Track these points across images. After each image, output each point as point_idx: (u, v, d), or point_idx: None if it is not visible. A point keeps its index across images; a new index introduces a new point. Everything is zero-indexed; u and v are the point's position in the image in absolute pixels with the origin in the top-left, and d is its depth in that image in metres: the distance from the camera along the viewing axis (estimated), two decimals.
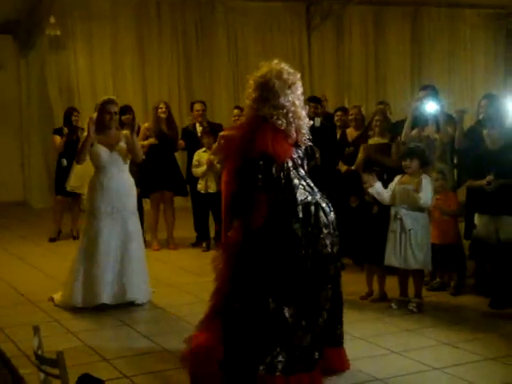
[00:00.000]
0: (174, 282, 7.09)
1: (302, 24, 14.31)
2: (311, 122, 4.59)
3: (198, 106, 9.11)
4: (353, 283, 6.64)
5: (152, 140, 8.64)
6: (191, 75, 13.65)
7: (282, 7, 13.99)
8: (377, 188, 5.89)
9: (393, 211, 5.82)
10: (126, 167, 6.32)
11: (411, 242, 5.74)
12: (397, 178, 5.94)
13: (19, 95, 13.32)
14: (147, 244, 8.72)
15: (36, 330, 3.35)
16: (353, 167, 7.53)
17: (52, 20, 11.91)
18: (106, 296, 6.00)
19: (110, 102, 6.18)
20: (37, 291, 6.65)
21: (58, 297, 6.22)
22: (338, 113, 8.62)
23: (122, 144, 6.17)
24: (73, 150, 9.38)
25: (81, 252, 6.13)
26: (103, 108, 6.14)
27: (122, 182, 6.24)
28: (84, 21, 12.82)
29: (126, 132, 6.32)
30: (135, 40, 13.23)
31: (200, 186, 8.75)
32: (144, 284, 6.26)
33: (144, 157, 7.26)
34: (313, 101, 7.69)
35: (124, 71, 13.21)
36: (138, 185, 6.79)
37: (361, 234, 6.25)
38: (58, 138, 9.59)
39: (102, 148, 6.10)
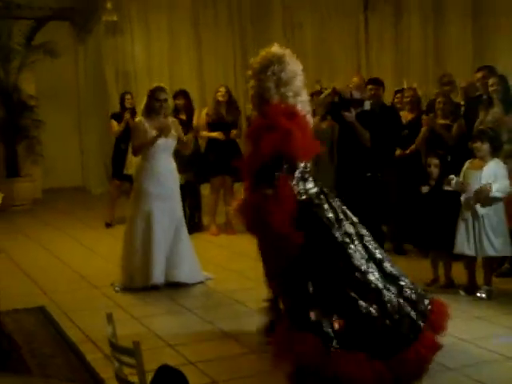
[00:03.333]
0: (233, 267, 7.03)
1: (359, 4, 14.02)
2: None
3: None
4: (416, 270, 6.48)
5: (217, 134, 8.53)
6: (247, 57, 13.50)
7: None
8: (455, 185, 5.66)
9: (463, 198, 5.61)
10: (172, 153, 6.36)
11: (486, 228, 5.51)
12: (467, 164, 5.72)
13: (77, 81, 13.44)
14: (205, 228, 8.75)
15: (109, 317, 3.31)
16: (407, 151, 7.33)
17: (109, 5, 11.93)
18: (161, 276, 6.07)
19: (159, 89, 6.24)
20: (97, 275, 6.69)
21: (118, 280, 6.26)
22: (398, 95, 8.42)
23: (173, 131, 6.20)
24: (127, 131, 9.52)
25: (134, 233, 6.15)
26: (152, 95, 6.20)
27: (170, 167, 6.33)
28: (140, 5, 12.81)
29: (174, 120, 6.40)
30: (191, 23, 13.16)
31: None
32: (196, 265, 6.34)
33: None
34: (374, 83, 7.45)
35: (180, 55, 13.18)
36: (189, 170, 6.76)
37: (424, 220, 6.04)
38: (115, 123, 9.61)
39: (154, 133, 6.11)
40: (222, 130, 8.53)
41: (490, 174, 5.53)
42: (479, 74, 6.90)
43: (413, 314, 3.95)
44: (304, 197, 4.16)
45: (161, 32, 13.03)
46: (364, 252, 4.08)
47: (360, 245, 4.11)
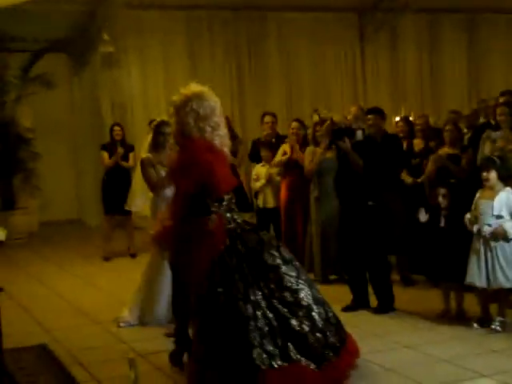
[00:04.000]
0: None
1: (355, 34, 14.12)
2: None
3: (267, 118, 8.87)
4: (425, 301, 6.40)
5: None
6: (244, 89, 13.54)
7: (334, 18, 13.82)
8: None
9: (475, 229, 5.51)
10: None
11: (499, 259, 5.39)
12: (478, 193, 5.63)
13: (72, 113, 13.37)
14: None
15: (132, 363, 3.16)
16: (419, 180, 7.29)
17: (105, 37, 11.91)
18: (166, 313, 5.91)
19: (163, 123, 6.14)
20: (98, 310, 6.56)
21: (123, 315, 6.10)
22: (400, 123, 8.36)
23: None
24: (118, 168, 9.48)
25: (153, 271, 6.05)
26: (157, 129, 6.14)
27: None
28: (136, 37, 12.80)
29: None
30: (187, 55, 13.18)
31: (258, 201, 8.60)
32: None
33: None
34: (374, 112, 7.34)
35: (176, 86, 12.94)
36: None
37: (435, 250, 5.92)
38: (105, 155, 9.56)
39: (161, 168, 6.03)
40: None
41: (501, 205, 5.43)
42: (502, 99, 6.89)
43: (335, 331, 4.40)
44: (232, 225, 4.38)
45: (157, 63, 13.02)
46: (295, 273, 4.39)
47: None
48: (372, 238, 6.17)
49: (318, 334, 4.23)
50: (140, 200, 7.08)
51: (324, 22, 13.74)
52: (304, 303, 4.29)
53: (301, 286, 4.35)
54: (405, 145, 7.59)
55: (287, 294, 4.25)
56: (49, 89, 11.24)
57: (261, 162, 8.57)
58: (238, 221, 4.46)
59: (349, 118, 6.84)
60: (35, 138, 11.76)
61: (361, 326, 5.77)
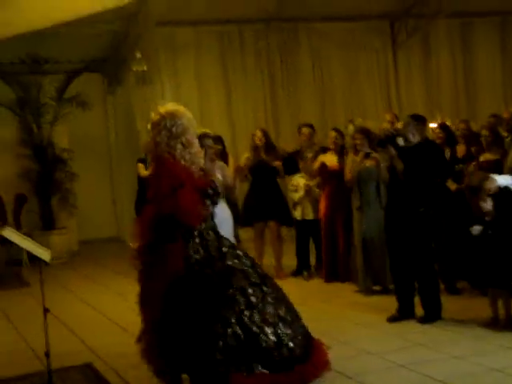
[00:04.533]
0: None
1: (387, 42, 14.01)
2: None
3: (304, 130, 8.83)
4: (472, 309, 6.28)
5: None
6: (277, 100, 13.52)
7: (366, 26, 13.72)
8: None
9: None
10: (222, 199, 6.22)
11: None
12: None
13: (107, 132, 13.49)
14: None
15: None
16: (463, 185, 7.18)
17: (138, 55, 11.98)
18: None
19: (204, 136, 6.12)
20: None
21: None
22: (437, 130, 8.25)
23: (219, 176, 6.09)
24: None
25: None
26: (199, 142, 6.08)
27: (221, 212, 6.13)
28: (169, 54, 12.87)
29: (222, 164, 6.30)
30: (220, 68, 13.20)
31: (297, 213, 8.57)
32: None
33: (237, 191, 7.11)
34: (416, 119, 7.25)
35: (210, 101, 13.18)
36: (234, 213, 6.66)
37: (481, 256, 5.80)
38: (141, 166, 9.59)
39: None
40: (261, 174, 8.42)
41: None
42: None
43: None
44: (196, 256, 4.53)
45: (190, 78, 13.05)
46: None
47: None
48: (421, 245, 6.09)
49: (283, 350, 4.41)
50: None
51: (355, 30, 13.66)
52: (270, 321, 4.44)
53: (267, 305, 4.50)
54: (447, 152, 7.48)
55: (255, 314, 4.43)
56: (84, 109, 11.36)
57: (296, 173, 8.53)
58: (211, 249, 4.58)
59: (398, 125, 6.73)
60: (72, 157, 11.88)
61: (407, 337, 5.68)
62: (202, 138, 6.09)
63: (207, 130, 6.29)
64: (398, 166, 6.16)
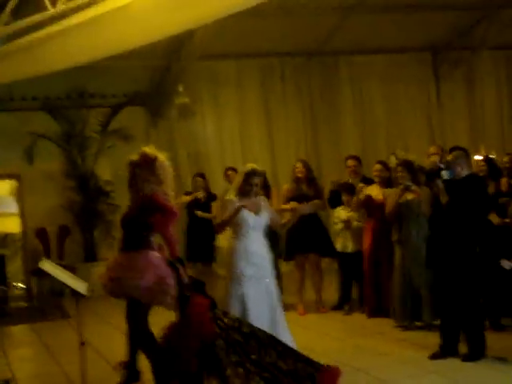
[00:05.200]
0: (320, 348, 6.70)
1: (429, 73, 13.94)
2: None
3: (350, 162, 8.78)
4: None
5: (290, 205, 8.32)
6: (318, 132, 13.52)
7: (407, 58, 13.67)
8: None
9: None
10: (263, 232, 6.19)
11: None
12: None
13: None
14: (291, 308, 8.45)
15: None
16: (507, 219, 7.02)
17: (180, 88, 12.13)
18: None
19: (253, 173, 6.11)
20: None
21: None
22: (481, 163, 8.13)
23: (264, 209, 6.08)
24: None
25: None
26: (247, 179, 6.10)
27: (263, 245, 6.12)
28: (211, 87, 13.02)
29: (264, 198, 6.28)
30: (261, 102, 13.28)
31: (338, 245, 8.48)
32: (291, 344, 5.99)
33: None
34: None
35: (251, 133, 13.25)
36: (276, 247, 6.63)
37: None
38: (184, 197, 9.65)
39: (247, 213, 5.98)
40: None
41: None
42: None
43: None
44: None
45: (231, 111, 13.16)
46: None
47: None
48: (467, 281, 5.94)
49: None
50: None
51: (397, 62, 13.62)
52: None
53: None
54: (491, 185, 7.34)
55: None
56: (127, 142, 11.47)
57: (340, 205, 8.48)
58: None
59: (449, 158, 6.54)
60: (114, 190, 11.99)
61: (451, 375, 5.54)
62: (250, 176, 6.10)
63: (255, 166, 6.25)
64: (443, 200, 6.02)
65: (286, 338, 5.90)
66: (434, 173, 6.16)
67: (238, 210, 5.96)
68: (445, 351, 6.08)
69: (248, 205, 5.98)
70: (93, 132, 11.94)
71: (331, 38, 12.50)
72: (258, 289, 5.92)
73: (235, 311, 5.83)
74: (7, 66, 8.85)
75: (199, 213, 9.53)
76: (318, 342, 6.96)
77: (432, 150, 9.28)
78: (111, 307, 9.89)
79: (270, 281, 6.07)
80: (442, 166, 6.26)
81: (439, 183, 6.04)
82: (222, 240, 8.17)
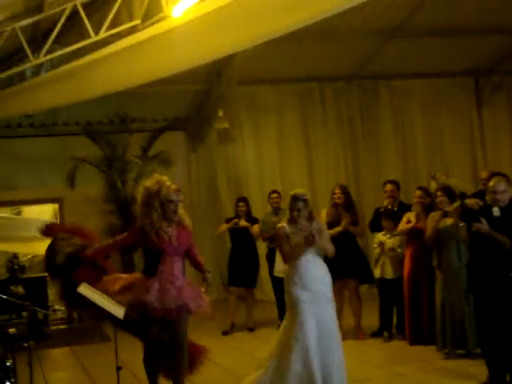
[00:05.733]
0: (360, 376, 6.61)
1: (471, 98, 13.81)
2: None
3: (388, 187, 8.69)
4: None
5: (333, 231, 8.26)
6: (357, 157, 13.46)
7: (449, 83, 13.58)
8: None
9: None
10: (320, 257, 6.15)
11: None
12: None
13: (190, 188, 13.65)
14: None
15: None
16: None
17: (220, 113, 12.21)
18: None
19: (293, 198, 6.13)
20: None
21: None
22: None
23: (316, 234, 6.04)
24: (242, 238, 9.52)
25: (290, 342, 5.87)
26: (290, 205, 6.10)
27: (320, 271, 6.07)
28: (250, 112, 13.08)
29: (319, 222, 6.29)
30: (300, 126, 13.29)
31: (377, 271, 8.39)
32: (344, 376, 5.93)
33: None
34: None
35: (290, 157, 13.25)
36: None
37: None
38: (223, 225, 9.68)
39: (297, 238, 5.98)
40: (342, 232, 8.32)
41: None
42: None
43: None
44: None
45: (271, 136, 13.19)
46: None
47: None
48: (507, 310, 5.77)
49: None
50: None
51: (438, 87, 13.53)
52: None
53: None
54: None
55: None
56: (167, 166, 11.55)
57: (381, 230, 8.40)
58: None
59: (491, 184, 6.28)
60: None
61: None
62: (292, 200, 6.10)
63: (297, 191, 6.24)
64: (501, 240, 5.77)
65: (342, 367, 5.85)
66: (477, 212, 6.03)
67: (283, 237, 6.00)
68: (493, 381, 5.89)
69: (306, 238, 5.96)
70: (133, 156, 12.05)
71: (371, 61, 12.47)
72: (315, 314, 5.89)
73: (295, 337, 5.80)
74: (51, 92, 9.03)
75: (241, 222, 9.50)
76: (358, 370, 6.84)
77: (483, 174, 9.05)
78: None
79: (326, 306, 6.03)
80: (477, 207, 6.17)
81: (484, 225, 5.80)
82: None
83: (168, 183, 5.93)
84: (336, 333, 6.01)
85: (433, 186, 8.41)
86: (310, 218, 6.15)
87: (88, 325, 10.79)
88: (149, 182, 5.97)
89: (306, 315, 5.85)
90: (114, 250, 6.76)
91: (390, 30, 11.50)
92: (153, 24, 8.28)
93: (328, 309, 6.05)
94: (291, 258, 6.06)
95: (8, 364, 4.87)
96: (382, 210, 8.54)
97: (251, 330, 9.42)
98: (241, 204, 9.81)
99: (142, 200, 5.90)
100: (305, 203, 6.11)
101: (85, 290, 5.42)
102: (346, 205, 8.48)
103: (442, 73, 13.28)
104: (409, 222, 7.92)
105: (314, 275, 6.03)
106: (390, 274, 8.27)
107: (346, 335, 8.31)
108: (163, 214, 5.81)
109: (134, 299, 5.62)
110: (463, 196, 7.54)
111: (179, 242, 5.90)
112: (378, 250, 8.36)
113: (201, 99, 12.82)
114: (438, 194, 7.33)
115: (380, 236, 8.37)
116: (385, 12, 10.60)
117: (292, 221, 6.13)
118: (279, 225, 6.28)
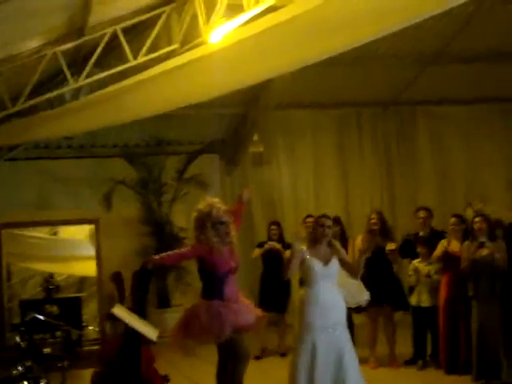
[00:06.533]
0: None
1: (510, 125, 13.60)
2: None
3: (420, 214, 8.66)
4: None
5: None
6: (393, 182, 13.38)
7: (487, 109, 13.41)
8: None
9: None
10: (335, 282, 6.10)
11: None
12: None
13: None
14: (363, 361, 8.25)
15: None
16: None
17: (255, 138, 12.25)
18: None
19: (322, 216, 6.12)
20: None
21: None
22: None
23: (335, 260, 6.03)
24: (274, 262, 9.49)
25: (298, 366, 5.83)
26: (317, 222, 6.07)
27: (335, 296, 6.02)
28: (286, 136, 13.10)
29: (337, 242, 6.21)
30: (336, 151, 13.27)
31: (413, 299, 8.30)
32: None
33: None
34: None
35: (326, 182, 13.22)
36: None
37: None
38: (256, 250, 9.64)
39: (315, 261, 5.92)
40: (376, 257, 8.25)
41: None
42: None
43: None
44: None
45: (306, 160, 13.18)
46: None
47: None
48: None
49: None
50: None
51: (476, 113, 13.36)
52: None
53: None
54: None
55: None
56: (202, 189, 11.60)
57: (413, 257, 8.33)
58: None
59: None
60: (188, 236, 12.08)
61: None
62: (320, 217, 6.09)
63: (327, 212, 6.25)
64: None
65: None
66: None
67: (292, 256, 5.95)
68: None
69: (311, 251, 5.94)
70: (169, 179, 12.14)
71: (409, 87, 12.42)
72: (327, 339, 5.82)
73: (303, 360, 5.77)
74: (90, 115, 9.15)
75: (269, 243, 9.47)
76: None
77: None
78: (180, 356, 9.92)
79: (341, 332, 5.95)
80: None
81: None
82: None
83: (219, 205, 5.98)
84: (352, 358, 5.92)
85: (469, 213, 8.35)
86: (330, 244, 6.10)
87: None
88: (201, 205, 6.04)
89: (318, 339, 5.79)
90: (178, 261, 7.56)
91: (428, 56, 11.46)
92: (191, 48, 8.38)
93: (342, 334, 5.95)
94: (307, 280, 5.99)
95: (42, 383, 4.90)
96: (408, 236, 8.50)
97: (283, 355, 9.36)
98: (273, 227, 9.80)
99: (195, 222, 5.99)
100: (331, 224, 6.10)
101: (119, 311, 5.44)
102: (382, 231, 8.43)
103: (481, 98, 13.14)
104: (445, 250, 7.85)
105: (329, 299, 5.97)
106: (426, 301, 8.18)
107: (379, 363, 8.27)
108: (217, 235, 5.82)
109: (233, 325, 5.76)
110: (499, 224, 7.47)
111: (235, 261, 6.05)
112: (414, 278, 8.27)
113: (237, 122, 12.89)
114: (476, 220, 7.24)
115: (416, 263, 8.29)
116: (424, 38, 10.56)
117: (314, 242, 6.05)
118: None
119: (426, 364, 8.21)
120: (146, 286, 6.07)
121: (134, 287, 5.98)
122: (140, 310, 5.88)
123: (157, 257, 6.18)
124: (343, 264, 6.09)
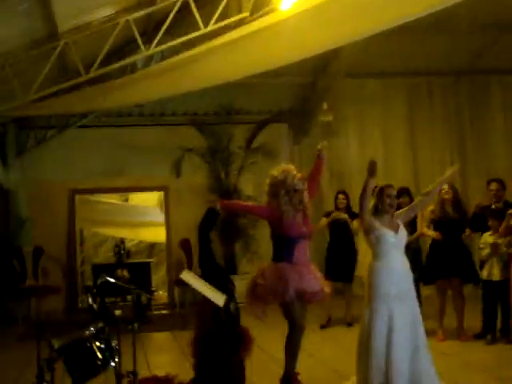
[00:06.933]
0: (464, 379, 6.41)
1: None
2: None
3: (493, 186, 8.42)
4: None
5: (433, 234, 8.24)
6: (465, 154, 13.10)
7: None
8: None
9: None
10: (404, 251, 6.01)
11: None
12: None
13: None
14: (430, 333, 8.16)
15: None
16: None
17: (325, 106, 12.14)
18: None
19: (388, 186, 5.99)
20: (312, 379, 6.39)
21: None
22: None
23: (403, 227, 5.93)
24: (341, 232, 9.46)
25: (374, 338, 5.75)
26: (382, 191, 5.94)
27: (405, 264, 5.93)
28: (355, 105, 12.95)
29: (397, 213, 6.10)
30: (406, 121, 13.08)
31: (484, 272, 8.15)
32: (434, 372, 5.72)
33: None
34: None
35: (395, 152, 13.05)
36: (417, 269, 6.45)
37: None
38: (323, 220, 9.60)
39: (387, 231, 5.84)
40: (447, 229, 8.13)
41: None
42: None
43: None
44: None
45: (375, 130, 13.04)
46: None
47: None
48: None
49: None
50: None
51: None
52: None
53: None
54: None
55: None
56: (270, 158, 11.61)
57: (484, 230, 8.15)
58: None
59: None
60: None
61: None
62: (385, 187, 5.97)
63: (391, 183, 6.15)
64: None
65: (427, 364, 5.71)
66: None
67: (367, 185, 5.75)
68: None
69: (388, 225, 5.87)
70: (237, 147, 12.19)
71: (483, 56, 12.08)
72: (402, 310, 5.74)
73: (380, 332, 5.69)
74: (160, 83, 9.26)
75: (341, 214, 9.45)
76: (461, 373, 6.66)
77: None
78: (250, 319, 10.06)
79: (414, 302, 5.89)
80: None
81: None
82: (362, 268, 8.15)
83: (294, 172, 5.96)
84: (422, 330, 5.79)
85: None
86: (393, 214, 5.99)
87: (189, 311, 11.04)
88: (275, 171, 6.01)
89: (395, 309, 5.68)
90: (246, 211, 7.64)
91: (504, 23, 11.10)
92: (261, 16, 8.35)
93: (415, 305, 5.83)
94: (375, 250, 5.91)
95: (113, 344, 5.04)
96: (480, 209, 8.31)
97: (350, 324, 9.36)
98: (341, 197, 9.72)
99: (269, 189, 5.99)
100: (395, 193, 6.01)
101: (187, 276, 5.52)
102: (453, 202, 8.28)
103: None
104: None
105: (402, 269, 5.84)
106: (497, 275, 8.02)
107: (447, 335, 8.18)
108: (290, 203, 5.86)
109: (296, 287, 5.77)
110: None
111: (308, 228, 6.02)
112: (486, 251, 8.10)
113: (306, 92, 12.82)
114: None
115: (487, 236, 8.12)
116: (499, 4, 10.22)
117: (380, 211, 5.89)
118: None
119: (495, 338, 8.06)
120: (210, 226, 6.09)
121: (200, 226, 6.04)
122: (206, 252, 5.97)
123: (227, 202, 6.26)
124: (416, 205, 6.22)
